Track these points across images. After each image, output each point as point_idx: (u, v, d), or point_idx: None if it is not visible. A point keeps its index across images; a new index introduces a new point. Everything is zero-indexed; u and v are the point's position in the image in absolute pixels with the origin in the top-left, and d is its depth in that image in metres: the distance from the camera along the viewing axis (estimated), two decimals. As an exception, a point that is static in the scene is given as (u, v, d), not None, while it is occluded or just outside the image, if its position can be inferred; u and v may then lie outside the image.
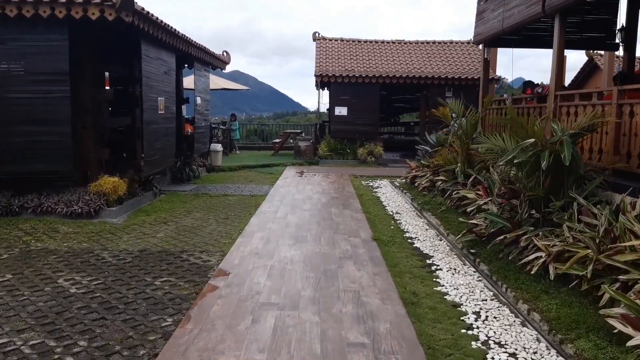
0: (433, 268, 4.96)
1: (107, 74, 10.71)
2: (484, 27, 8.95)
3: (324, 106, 17.45)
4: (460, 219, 6.15)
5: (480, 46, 10.06)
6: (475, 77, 14.77)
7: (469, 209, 6.53)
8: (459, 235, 5.70)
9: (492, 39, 9.04)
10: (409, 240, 6.00)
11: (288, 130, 19.11)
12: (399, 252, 5.47)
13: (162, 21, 7.21)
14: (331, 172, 12.65)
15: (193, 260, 5.11)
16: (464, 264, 5.11)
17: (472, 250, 5.33)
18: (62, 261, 5.00)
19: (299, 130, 19.33)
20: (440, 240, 6.05)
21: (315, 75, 15.25)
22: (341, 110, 15.23)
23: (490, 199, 6.35)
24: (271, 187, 9.90)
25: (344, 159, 14.94)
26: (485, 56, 9.60)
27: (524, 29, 8.62)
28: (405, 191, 9.38)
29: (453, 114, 8.59)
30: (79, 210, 6.74)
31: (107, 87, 10.78)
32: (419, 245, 5.80)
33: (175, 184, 10.24)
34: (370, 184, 10.85)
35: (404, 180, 10.63)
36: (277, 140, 17.92)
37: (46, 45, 6.51)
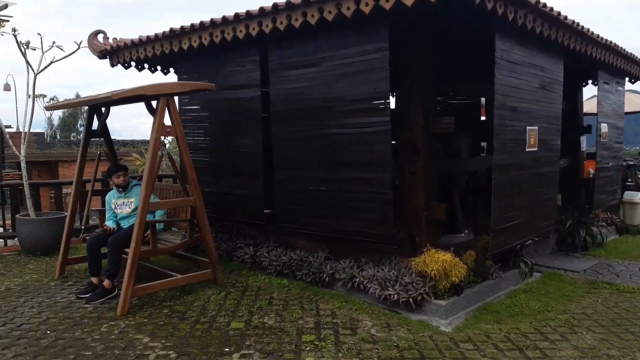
0: None
1: (482, 100, 8.49)
2: None
3: None
4: None
5: None
6: None
7: None
8: None
9: None
10: None
11: None
12: None
13: (535, -2, 4.30)
14: None
15: None
16: None
17: None
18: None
19: None
20: None
21: None
22: None
23: None
24: None
25: None
26: None
27: None
28: None
29: None
30: (394, 296, 4.53)
31: (482, 118, 8.57)
32: None
33: (561, 254, 6.86)
34: None
35: None
36: None
37: (362, 61, 4.67)
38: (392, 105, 4.92)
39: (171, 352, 3.66)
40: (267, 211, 5.98)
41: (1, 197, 8.12)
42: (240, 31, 5.18)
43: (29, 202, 7.05)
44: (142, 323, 4.23)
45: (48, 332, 4.04)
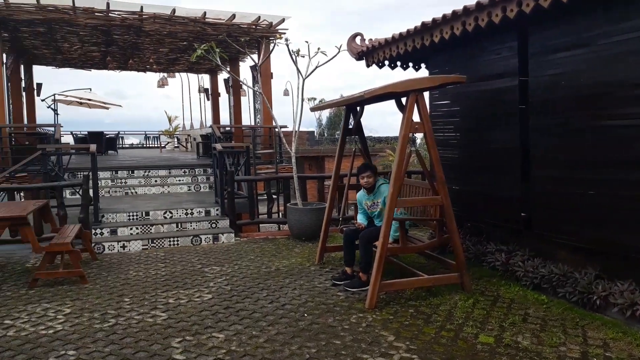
0: None
1: None
2: None
3: None
4: None
5: None
6: None
7: None
8: None
9: None
10: None
11: None
12: None
13: None
14: None
15: None
16: None
17: None
18: None
19: None
20: None
21: None
22: None
23: None
24: None
25: None
26: None
27: None
28: None
29: None
30: (698, 336, 3.49)
31: None
32: None
33: None
34: None
35: None
36: None
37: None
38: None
39: (415, 356, 3.56)
40: (523, 214, 5.38)
41: (277, 187, 9.42)
42: (497, 15, 4.73)
43: (297, 193, 7.97)
44: (388, 320, 4.26)
45: (305, 315, 4.41)
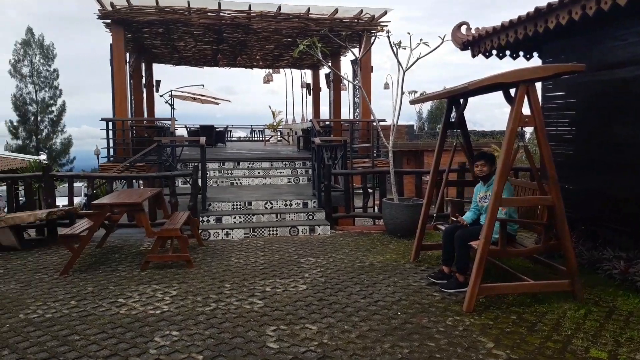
0: None
1: None
2: None
3: None
4: None
5: None
6: None
7: None
8: None
9: None
10: None
11: None
12: None
13: None
14: None
15: None
16: None
17: None
18: None
19: None
20: None
21: None
22: None
23: None
24: None
25: None
26: None
27: None
28: None
29: None
30: None
31: None
32: None
33: None
34: None
35: None
36: None
37: None
38: None
39: (515, 366, 3.32)
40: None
41: (373, 181, 9.34)
42: (623, -4, 4.23)
43: (393, 188, 7.83)
44: (487, 325, 4.02)
45: (399, 313, 4.31)
